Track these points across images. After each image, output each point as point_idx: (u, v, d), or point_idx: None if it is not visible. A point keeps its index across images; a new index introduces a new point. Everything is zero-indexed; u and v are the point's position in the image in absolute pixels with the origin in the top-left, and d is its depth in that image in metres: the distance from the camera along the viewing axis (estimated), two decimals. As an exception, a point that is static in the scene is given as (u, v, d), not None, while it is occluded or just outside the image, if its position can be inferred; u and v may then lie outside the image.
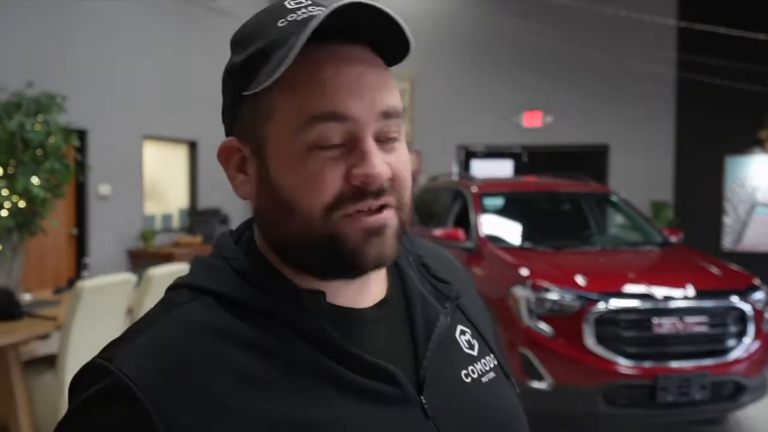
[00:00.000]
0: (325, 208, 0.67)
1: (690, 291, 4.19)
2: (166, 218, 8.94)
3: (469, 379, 0.77)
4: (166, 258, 7.68)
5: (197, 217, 9.21)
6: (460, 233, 5.26)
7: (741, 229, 9.33)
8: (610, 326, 4.03)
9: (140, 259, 7.96)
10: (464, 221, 5.54)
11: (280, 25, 0.69)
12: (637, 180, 9.58)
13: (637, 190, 9.44)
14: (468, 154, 10.63)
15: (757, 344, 4.23)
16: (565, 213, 6.16)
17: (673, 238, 5.47)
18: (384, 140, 0.69)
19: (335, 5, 0.63)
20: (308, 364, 0.67)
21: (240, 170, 0.74)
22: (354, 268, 0.70)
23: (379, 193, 0.68)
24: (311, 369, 0.67)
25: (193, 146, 9.53)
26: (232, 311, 0.68)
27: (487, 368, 0.80)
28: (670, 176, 9.64)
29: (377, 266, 0.71)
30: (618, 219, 6.37)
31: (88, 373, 0.66)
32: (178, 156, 9.49)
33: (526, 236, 5.36)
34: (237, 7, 10.39)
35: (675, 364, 4.03)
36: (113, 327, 3.76)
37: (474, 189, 5.67)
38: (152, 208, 8.83)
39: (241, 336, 0.67)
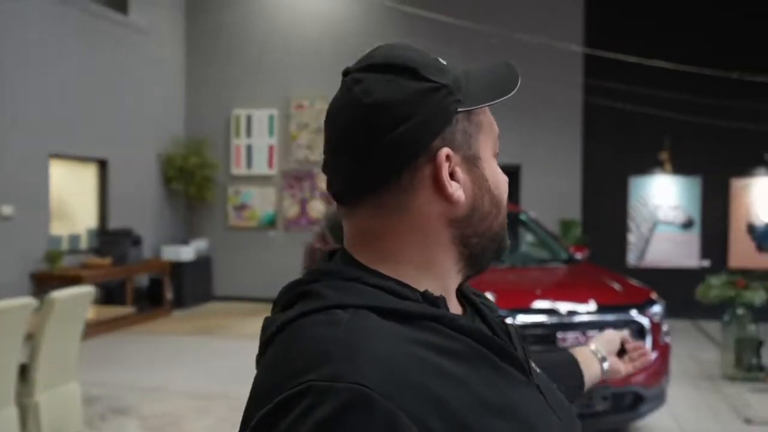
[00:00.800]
0: (506, 200, 0.89)
1: (592, 306, 4.36)
2: (74, 239, 8.63)
3: (538, 370, 0.92)
4: (73, 280, 7.39)
5: (107, 238, 8.93)
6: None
7: (644, 246, 9.76)
8: (517, 342, 4.14)
9: (45, 282, 7.65)
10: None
11: (444, 62, 0.86)
12: (547, 199, 9.90)
13: (547, 209, 9.76)
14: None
15: (654, 356, 4.43)
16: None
17: (579, 255, 5.67)
18: None
19: (516, 81, 0.88)
20: (480, 359, 0.77)
21: (451, 179, 0.83)
22: (498, 259, 0.92)
23: None
24: (485, 363, 0.77)
25: (102, 164, 9.26)
26: (401, 322, 0.75)
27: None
28: (578, 195, 10.01)
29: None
30: (529, 237, 6.56)
31: (302, 397, 0.67)
32: (88, 175, 9.20)
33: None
34: (149, 23, 10.21)
35: (579, 377, 4.17)
36: (9, 354, 3.60)
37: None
38: (59, 228, 8.51)
39: (427, 341, 0.74)
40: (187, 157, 10.31)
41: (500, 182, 0.88)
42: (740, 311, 6.35)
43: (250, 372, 0.81)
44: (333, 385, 0.67)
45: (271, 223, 10.79)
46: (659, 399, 4.58)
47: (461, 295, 0.92)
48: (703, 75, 8.46)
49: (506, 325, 0.92)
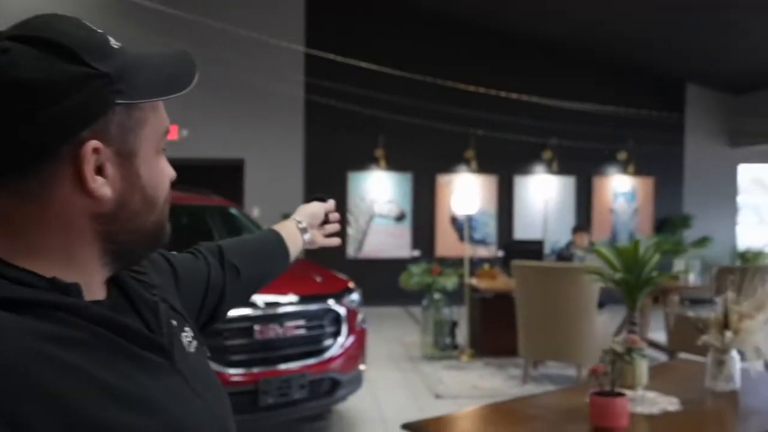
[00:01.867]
0: (163, 202, 0.86)
1: (292, 297, 4.47)
2: None
3: (191, 349, 0.90)
4: None
5: None
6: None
7: (362, 238, 10.31)
8: (215, 338, 4.11)
9: None
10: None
11: (115, 47, 0.80)
12: (271, 193, 10.03)
13: (271, 203, 9.90)
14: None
15: (350, 342, 4.67)
16: (188, 226, 6.17)
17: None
18: None
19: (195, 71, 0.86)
20: (109, 348, 0.74)
21: (98, 173, 0.77)
22: (151, 252, 0.93)
23: None
24: (114, 352, 0.75)
25: None
26: (19, 312, 0.70)
27: (190, 338, 0.92)
28: (301, 190, 10.27)
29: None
30: (241, 232, 6.56)
31: None
32: None
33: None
34: None
35: (279, 368, 4.26)
36: None
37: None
38: None
39: (46, 331, 0.69)
40: None
41: (159, 181, 0.84)
42: (436, 296, 6.97)
43: None
44: None
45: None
46: (356, 382, 4.84)
47: (116, 278, 0.86)
48: (414, 80, 9.14)
49: (156, 306, 0.87)
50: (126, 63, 0.78)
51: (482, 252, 10.34)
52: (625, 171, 10.85)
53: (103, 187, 0.77)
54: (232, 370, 4.11)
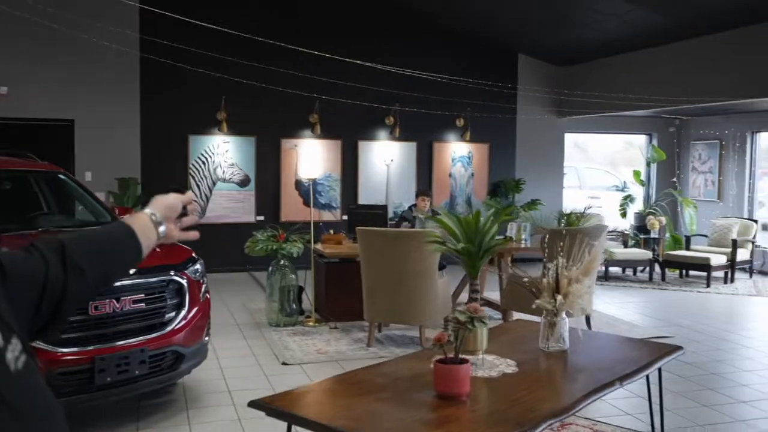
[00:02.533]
0: None
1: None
2: None
3: (18, 365, 0.82)
4: None
5: None
6: None
7: (205, 204, 10.00)
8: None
9: None
10: None
11: None
12: (105, 157, 9.45)
13: (105, 167, 9.34)
14: None
15: (193, 314, 4.54)
16: (10, 193, 5.67)
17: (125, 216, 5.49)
18: None
19: None
20: None
21: None
22: None
23: None
24: None
25: None
26: None
27: (17, 353, 0.84)
28: (138, 154, 9.75)
29: None
30: (71, 199, 6.13)
31: None
32: None
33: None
34: None
35: (117, 344, 4.06)
36: None
37: None
38: None
39: None
40: None
41: None
42: (282, 262, 6.93)
43: None
44: None
45: None
46: (201, 354, 4.72)
47: None
48: (257, 42, 8.88)
49: None
50: None
51: (327, 217, 10.39)
52: (462, 138, 11.27)
53: None
54: (64, 349, 3.86)
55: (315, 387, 2.80)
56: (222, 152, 10.09)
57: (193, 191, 9.87)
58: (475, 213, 2.90)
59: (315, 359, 5.77)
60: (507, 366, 2.76)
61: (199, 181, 9.98)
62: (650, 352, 3.34)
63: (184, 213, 1.40)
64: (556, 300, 2.93)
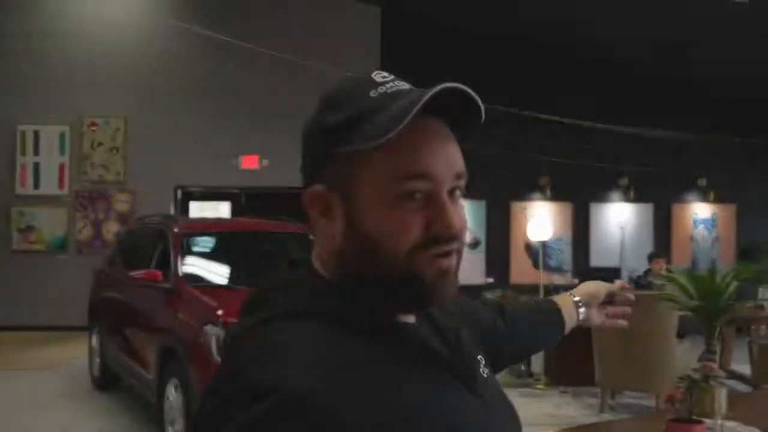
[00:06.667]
0: (408, 250, 0.80)
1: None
2: None
3: (485, 375, 0.94)
4: None
5: None
6: (158, 274, 5.21)
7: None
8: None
9: None
10: (167, 262, 5.48)
11: (372, 95, 0.81)
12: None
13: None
14: (185, 195, 10.54)
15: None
16: (270, 252, 6.35)
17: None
18: (451, 195, 0.82)
19: (442, 86, 0.77)
20: (419, 365, 0.82)
21: (323, 215, 0.83)
22: (424, 303, 0.85)
23: (451, 240, 0.82)
24: (424, 373, 0.81)
25: None
26: (342, 329, 0.78)
27: (482, 366, 0.96)
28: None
29: (441, 303, 0.87)
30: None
31: (235, 396, 0.71)
32: None
33: (231, 276, 5.44)
34: None
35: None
36: None
37: (175, 229, 5.65)
38: None
39: (365, 348, 0.78)
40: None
41: (387, 227, 0.80)
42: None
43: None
44: (269, 387, 0.70)
45: (61, 246, 10.17)
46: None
47: None
48: (489, 108, 9.21)
49: (458, 334, 0.92)
50: (363, 108, 0.80)
51: (557, 279, 10.25)
52: (705, 198, 10.59)
53: (324, 229, 0.84)
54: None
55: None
56: (453, 215, 10.43)
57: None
58: (710, 269, 2.79)
59: (545, 422, 5.69)
60: (750, 434, 2.57)
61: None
62: None
63: (609, 301, 1.46)
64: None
